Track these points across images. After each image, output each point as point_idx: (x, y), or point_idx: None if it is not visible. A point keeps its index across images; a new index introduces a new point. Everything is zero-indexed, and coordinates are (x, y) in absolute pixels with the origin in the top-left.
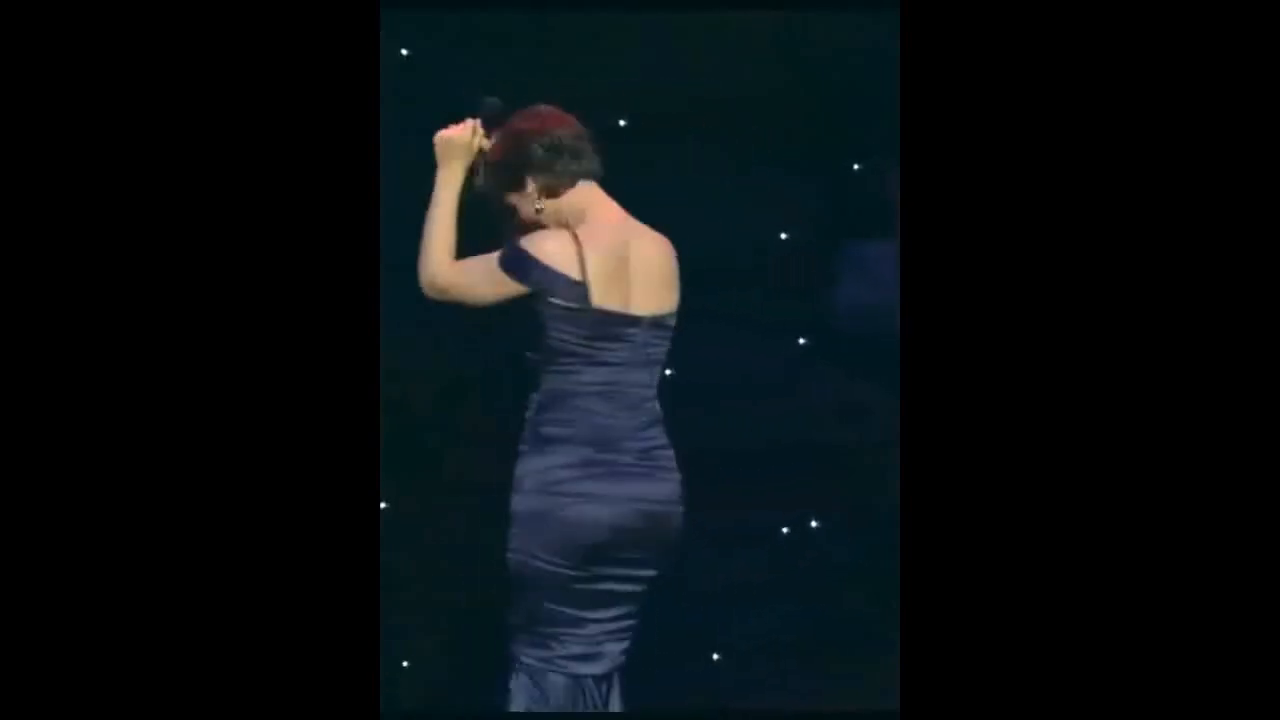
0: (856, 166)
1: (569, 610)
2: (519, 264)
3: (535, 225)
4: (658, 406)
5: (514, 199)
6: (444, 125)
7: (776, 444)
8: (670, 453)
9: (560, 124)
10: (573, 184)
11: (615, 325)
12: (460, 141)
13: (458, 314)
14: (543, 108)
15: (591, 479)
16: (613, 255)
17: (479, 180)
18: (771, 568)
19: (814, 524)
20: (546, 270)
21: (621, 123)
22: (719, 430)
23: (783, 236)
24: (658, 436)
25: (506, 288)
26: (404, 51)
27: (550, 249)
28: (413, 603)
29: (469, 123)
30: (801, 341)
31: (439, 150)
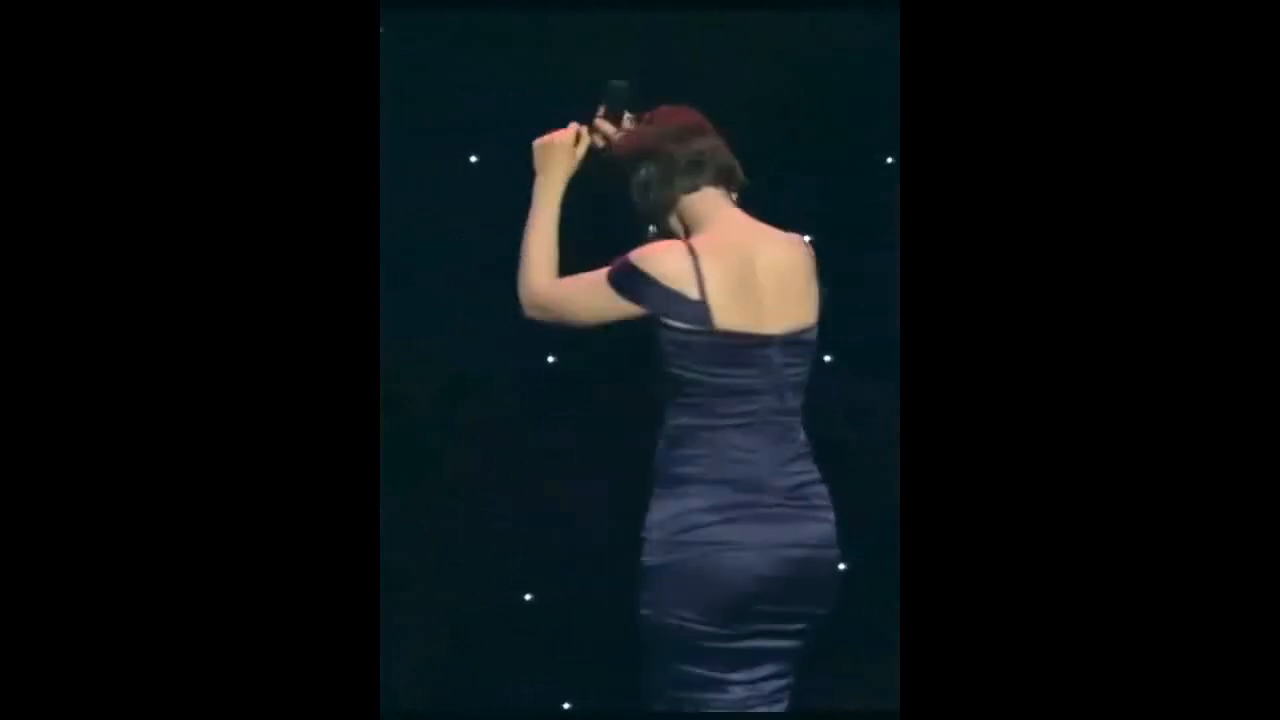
0: (890, 160)
1: (711, 673)
2: (631, 282)
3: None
4: (803, 436)
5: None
6: (444, 126)
7: None
8: (822, 489)
9: (701, 131)
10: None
11: (744, 347)
12: (563, 146)
13: (458, 314)
14: (680, 110)
15: (731, 523)
16: (736, 267)
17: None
18: None
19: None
20: (661, 289)
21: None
22: None
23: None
24: (806, 471)
25: (617, 308)
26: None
27: (664, 264)
28: (413, 603)
29: (572, 127)
30: (827, 359)
31: (538, 157)
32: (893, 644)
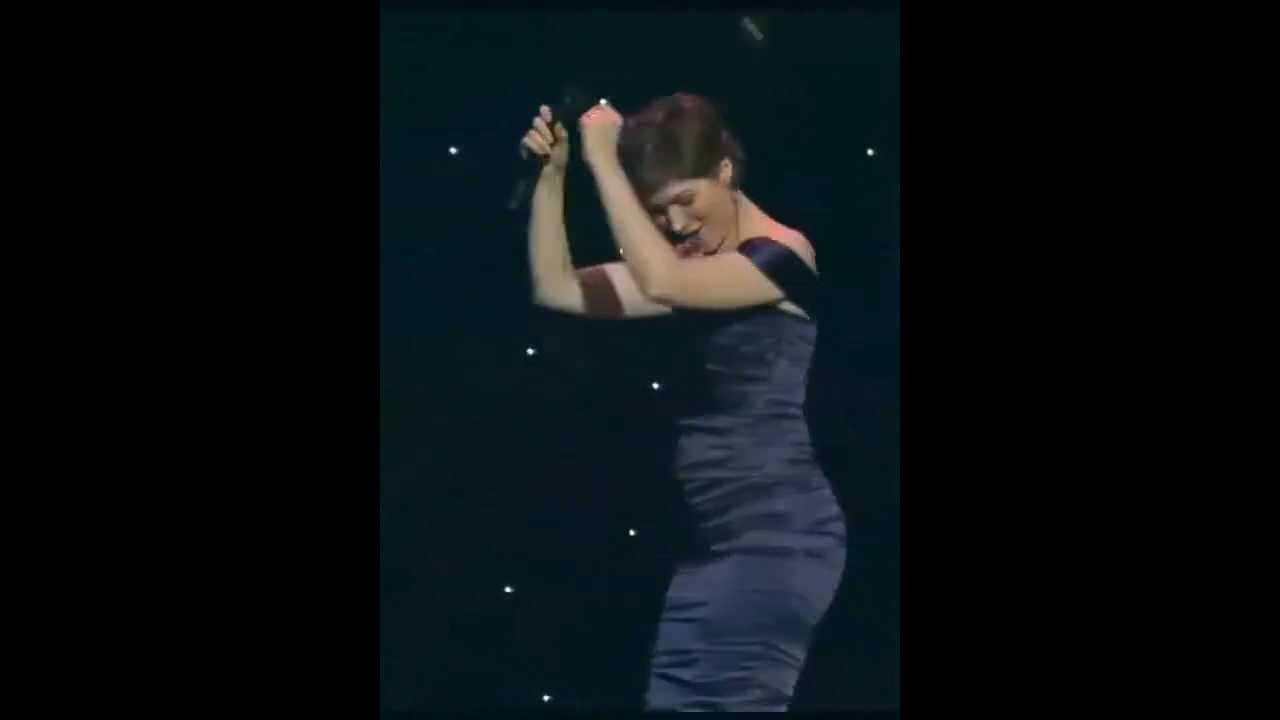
0: (870, 152)
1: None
2: (784, 264)
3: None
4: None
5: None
6: (444, 126)
7: None
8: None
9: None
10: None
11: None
12: (613, 124)
13: (458, 314)
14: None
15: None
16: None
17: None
18: None
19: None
20: (809, 275)
21: None
22: None
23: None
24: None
25: (762, 292)
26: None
27: (803, 248)
28: (413, 603)
29: (610, 112)
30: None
31: (592, 138)
32: (893, 644)
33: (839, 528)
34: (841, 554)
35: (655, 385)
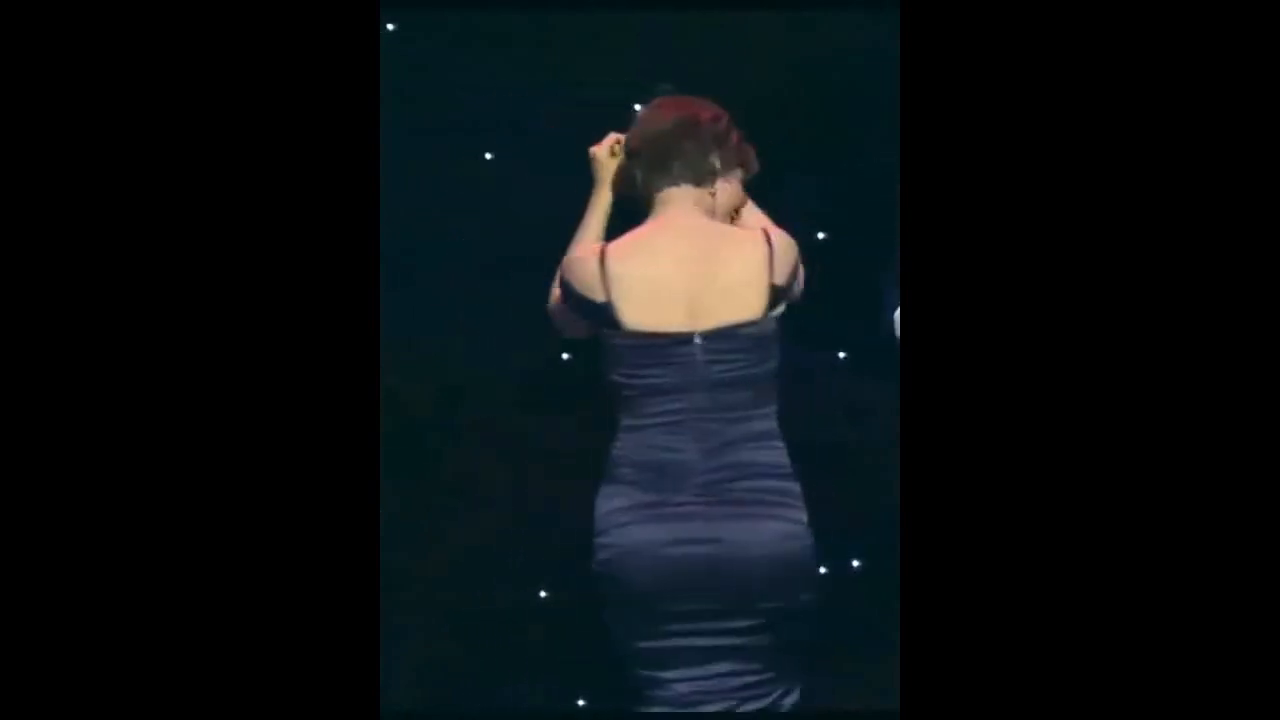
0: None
1: (649, 672)
2: (564, 290)
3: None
4: (743, 431)
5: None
6: (445, 126)
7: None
8: (757, 484)
9: (679, 129)
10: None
11: (659, 347)
12: (603, 156)
13: (458, 314)
14: (668, 104)
15: (639, 525)
16: (651, 266)
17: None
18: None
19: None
20: (576, 295)
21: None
22: None
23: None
24: (735, 467)
25: (570, 317)
26: (389, 26)
27: (574, 270)
28: (413, 603)
29: (610, 138)
30: (841, 355)
31: (592, 167)
32: (893, 644)
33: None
34: None
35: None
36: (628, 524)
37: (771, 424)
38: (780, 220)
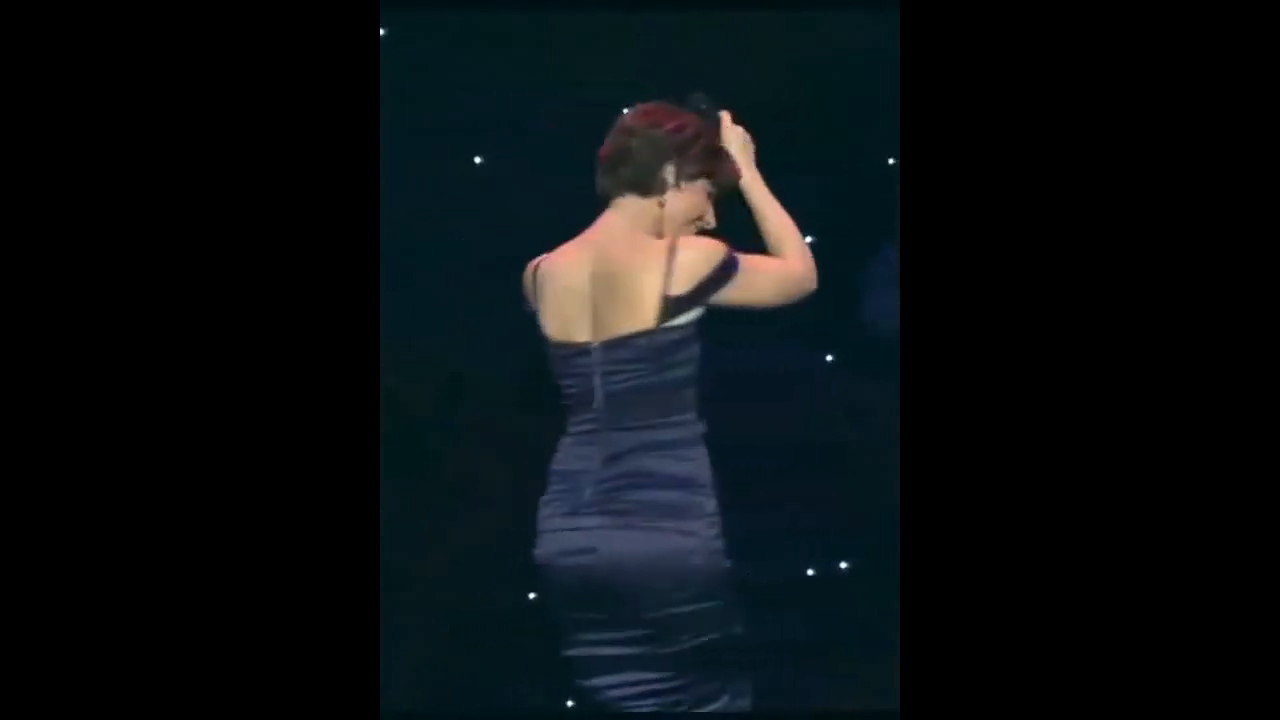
0: (891, 161)
1: (579, 680)
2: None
3: None
4: (632, 440)
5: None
6: (444, 126)
7: (777, 444)
8: (642, 495)
9: (625, 136)
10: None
11: (566, 357)
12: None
13: (458, 314)
14: (631, 112)
15: (538, 536)
16: (569, 276)
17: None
18: (771, 568)
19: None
20: (527, 303)
21: None
22: (718, 431)
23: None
24: (624, 479)
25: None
26: (383, 31)
27: (524, 279)
28: (413, 603)
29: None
30: (829, 358)
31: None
32: (893, 644)
33: None
34: None
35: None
36: (544, 533)
37: (680, 433)
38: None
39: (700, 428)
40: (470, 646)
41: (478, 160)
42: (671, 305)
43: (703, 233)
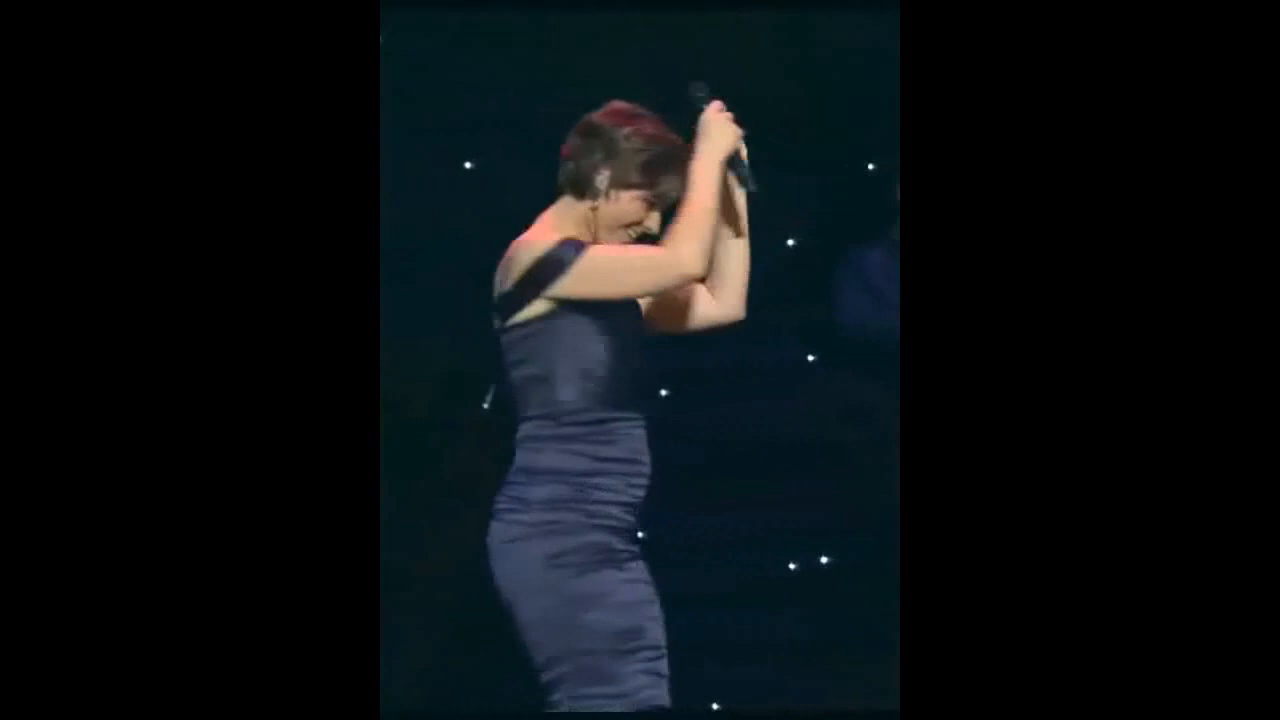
0: (871, 166)
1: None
2: None
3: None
4: (519, 438)
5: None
6: (444, 126)
7: (777, 445)
8: (503, 494)
9: (575, 137)
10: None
11: None
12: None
13: (458, 314)
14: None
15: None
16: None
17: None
18: (771, 568)
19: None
20: None
21: None
22: (718, 432)
23: (789, 243)
24: (507, 480)
25: None
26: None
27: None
28: (413, 603)
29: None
30: (810, 359)
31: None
32: (893, 644)
33: None
34: None
35: (663, 392)
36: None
37: (530, 428)
38: (780, 220)
39: (553, 427)
40: (470, 646)
41: (467, 166)
42: (505, 302)
43: (643, 239)
